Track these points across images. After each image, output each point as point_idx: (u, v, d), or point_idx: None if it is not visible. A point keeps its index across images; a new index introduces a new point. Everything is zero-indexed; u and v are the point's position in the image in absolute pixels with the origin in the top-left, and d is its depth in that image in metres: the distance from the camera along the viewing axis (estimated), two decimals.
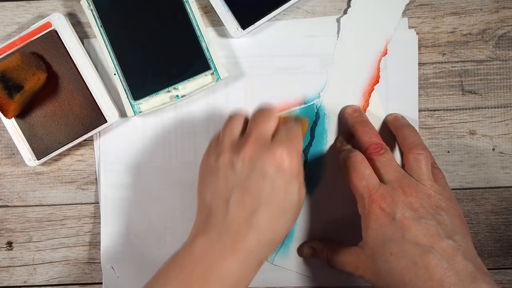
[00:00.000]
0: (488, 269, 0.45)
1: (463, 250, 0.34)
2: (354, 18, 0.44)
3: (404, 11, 0.44)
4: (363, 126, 0.41)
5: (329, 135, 0.44)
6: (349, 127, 0.43)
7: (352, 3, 0.44)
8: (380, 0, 0.44)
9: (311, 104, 0.44)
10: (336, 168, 0.43)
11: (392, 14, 0.44)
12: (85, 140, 0.44)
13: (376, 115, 0.44)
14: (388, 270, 0.36)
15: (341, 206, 0.44)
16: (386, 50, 0.44)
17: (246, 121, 0.38)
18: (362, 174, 0.38)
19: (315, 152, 0.44)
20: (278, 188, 0.34)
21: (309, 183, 0.43)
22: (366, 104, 0.44)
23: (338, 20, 0.44)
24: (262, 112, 0.37)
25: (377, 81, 0.44)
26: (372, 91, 0.44)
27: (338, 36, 0.44)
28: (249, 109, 0.45)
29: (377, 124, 0.44)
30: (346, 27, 0.44)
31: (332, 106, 0.44)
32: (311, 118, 0.44)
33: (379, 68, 0.44)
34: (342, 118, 0.44)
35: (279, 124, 0.37)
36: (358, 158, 0.38)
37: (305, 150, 0.44)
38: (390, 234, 0.35)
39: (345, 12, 0.44)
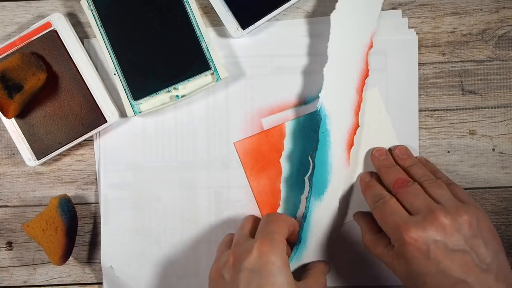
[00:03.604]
0: None
1: (496, 273, 0.35)
2: (341, 12, 0.43)
3: (384, 6, 0.43)
4: (389, 167, 0.41)
5: (332, 135, 0.43)
6: (375, 169, 0.43)
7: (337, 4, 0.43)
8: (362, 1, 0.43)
9: (315, 111, 0.44)
10: (340, 169, 0.43)
11: (374, 6, 0.43)
12: (85, 140, 0.44)
13: (379, 118, 0.44)
14: None
15: (351, 208, 0.44)
16: (372, 43, 0.43)
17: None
18: (391, 210, 0.38)
19: (321, 156, 0.43)
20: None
21: (318, 187, 0.43)
22: (360, 99, 0.43)
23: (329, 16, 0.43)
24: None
25: (367, 75, 0.43)
26: (364, 85, 0.43)
27: (330, 33, 0.43)
28: (248, 109, 0.45)
29: (380, 128, 0.44)
30: (335, 22, 0.43)
31: (331, 106, 0.43)
32: (318, 122, 0.44)
33: (368, 62, 0.43)
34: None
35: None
36: (387, 198, 0.39)
37: (312, 155, 0.43)
38: (424, 266, 0.35)
39: (334, 9, 0.43)
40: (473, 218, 0.36)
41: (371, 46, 0.43)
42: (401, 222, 0.36)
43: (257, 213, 0.45)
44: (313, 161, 0.43)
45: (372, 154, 0.43)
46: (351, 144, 0.43)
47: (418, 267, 0.35)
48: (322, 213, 0.43)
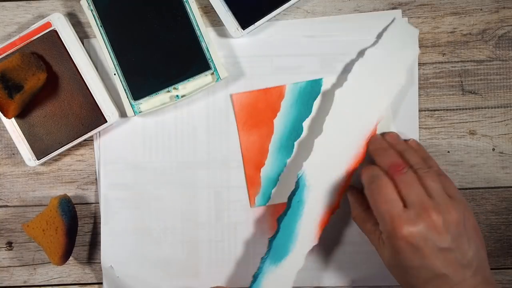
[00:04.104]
0: None
1: (475, 268, 0.36)
2: (348, 93, 0.42)
3: (396, 92, 0.43)
4: (384, 150, 0.40)
5: (306, 208, 0.41)
6: (369, 154, 0.41)
7: (349, 77, 0.42)
8: (376, 80, 0.42)
9: (318, 79, 0.44)
10: (306, 242, 0.42)
11: (385, 95, 0.42)
12: (85, 140, 0.44)
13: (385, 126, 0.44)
14: (402, 278, 0.37)
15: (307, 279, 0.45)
16: (376, 130, 0.42)
17: None
18: (385, 198, 0.37)
19: (289, 222, 0.42)
20: None
21: (277, 252, 0.42)
22: (348, 181, 0.42)
23: (333, 92, 0.42)
24: None
25: (362, 160, 0.42)
26: (356, 169, 0.42)
27: (330, 108, 0.42)
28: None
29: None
30: (339, 101, 0.42)
31: (314, 179, 0.42)
32: (316, 93, 0.43)
33: (366, 147, 0.42)
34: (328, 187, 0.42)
35: None
36: (383, 181, 0.38)
37: (279, 219, 0.42)
38: (409, 260, 0.36)
39: (341, 84, 0.43)
40: (461, 217, 0.37)
41: (374, 133, 0.42)
42: (395, 215, 0.36)
43: (241, 170, 0.45)
44: (279, 225, 0.42)
45: (367, 140, 0.42)
46: (325, 222, 0.42)
47: (403, 258, 0.36)
48: (275, 281, 0.41)
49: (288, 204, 0.42)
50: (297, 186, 0.42)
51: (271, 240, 0.42)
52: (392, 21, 0.44)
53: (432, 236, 0.36)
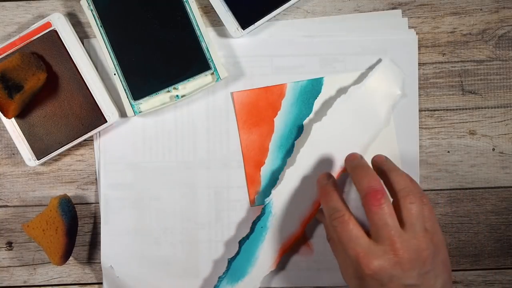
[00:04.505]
0: (488, 269, 0.45)
1: None
2: (325, 128, 0.43)
3: (373, 133, 0.43)
4: (362, 170, 0.37)
5: (269, 234, 0.43)
6: (348, 170, 0.39)
7: (328, 112, 0.43)
8: (355, 118, 0.43)
9: (319, 78, 0.44)
10: (264, 266, 0.43)
11: (362, 135, 0.43)
12: (85, 140, 0.44)
13: (388, 146, 0.44)
14: None
15: None
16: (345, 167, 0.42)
17: None
18: (349, 236, 0.35)
19: (250, 246, 0.43)
20: None
21: (235, 274, 0.43)
22: (313, 213, 0.43)
23: (311, 124, 0.43)
24: None
25: None
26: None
27: (306, 140, 0.43)
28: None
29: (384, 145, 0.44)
30: (316, 134, 0.43)
31: (280, 206, 0.43)
32: (317, 92, 0.44)
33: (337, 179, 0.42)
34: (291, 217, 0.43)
35: None
36: (345, 217, 0.36)
37: (241, 241, 0.43)
38: None
39: (320, 119, 0.43)
40: (430, 253, 0.35)
41: (344, 170, 0.42)
42: (361, 252, 0.35)
43: (240, 170, 0.45)
44: (240, 247, 0.43)
45: (345, 159, 0.40)
46: (286, 250, 0.43)
47: None
48: None
49: (251, 228, 0.43)
50: (263, 213, 0.43)
51: (230, 261, 0.43)
52: (378, 61, 0.44)
53: (397, 273, 0.34)
